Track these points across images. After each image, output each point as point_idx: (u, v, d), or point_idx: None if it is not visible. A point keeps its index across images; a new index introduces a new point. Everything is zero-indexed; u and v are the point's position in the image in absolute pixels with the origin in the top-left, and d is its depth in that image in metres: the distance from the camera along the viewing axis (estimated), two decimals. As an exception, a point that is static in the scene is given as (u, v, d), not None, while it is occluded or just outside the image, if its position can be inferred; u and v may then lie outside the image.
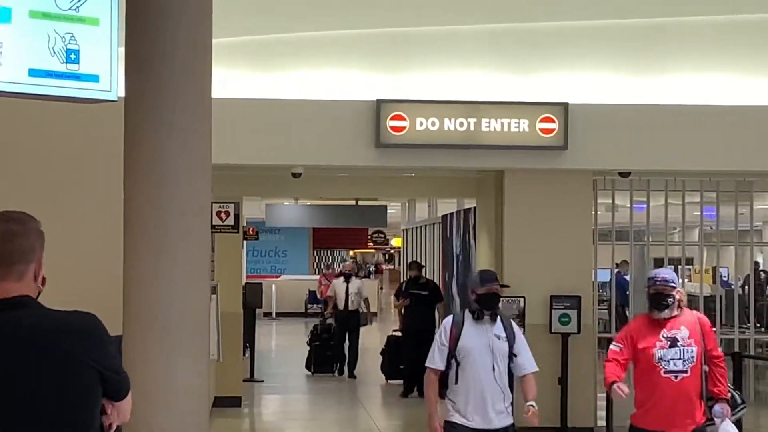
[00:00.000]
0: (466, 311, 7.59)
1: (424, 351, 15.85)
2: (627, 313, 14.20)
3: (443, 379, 7.44)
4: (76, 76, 6.72)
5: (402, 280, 18.90)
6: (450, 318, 7.61)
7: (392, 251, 45.41)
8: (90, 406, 3.49)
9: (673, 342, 7.34)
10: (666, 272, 7.67)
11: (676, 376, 7.30)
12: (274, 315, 32.50)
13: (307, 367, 18.37)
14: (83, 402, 3.48)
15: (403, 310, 16.54)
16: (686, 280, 15.92)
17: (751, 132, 12.24)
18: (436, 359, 7.48)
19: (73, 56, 6.73)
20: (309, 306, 31.91)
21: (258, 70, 12.21)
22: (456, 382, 7.38)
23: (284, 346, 25.68)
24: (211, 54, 9.13)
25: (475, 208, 15.18)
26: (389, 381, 16.87)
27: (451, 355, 7.40)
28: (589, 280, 12.75)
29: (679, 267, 14.75)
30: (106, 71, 6.94)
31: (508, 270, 12.47)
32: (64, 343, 3.45)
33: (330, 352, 18.35)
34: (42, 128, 10.76)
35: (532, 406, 7.31)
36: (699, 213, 13.81)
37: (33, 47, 6.40)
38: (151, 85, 8.70)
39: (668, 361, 7.31)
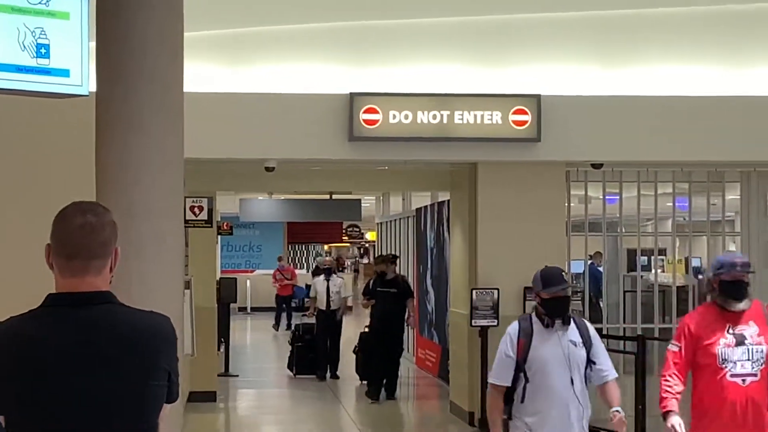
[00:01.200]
0: (533, 316, 6.56)
1: (393, 350, 15.55)
2: (600, 303, 14.22)
3: (508, 396, 6.44)
4: (47, 71, 6.69)
5: (371, 276, 17.77)
6: (515, 325, 6.55)
7: (367, 245, 45.28)
8: (160, 406, 3.51)
9: (740, 340, 6.28)
10: (743, 256, 6.77)
11: (743, 381, 6.26)
12: (249, 310, 32.55)
13: (290, 367, 17.69)
14: (157, 403, 3.50)
15: (370, 309, 16.07)
16: (659, 270, 15.96)
17: (723, 123, 12.29)
18: (501, 374, 6.43)
19: (43, 51, 6.69)
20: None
21: (231, 64, 12.18)
22: (523, 401, 6.40)
23: (259, 340, 25.67)
24: (182, 49, 9.08)
25: (448, 201, 15.18)
26: (363, 381, 16.18)
27: (519, 368, 6.37)
28: (564, 268, 12.75)
29: (652, 258, 14.81)
30: (77, 66, 6.91)
31: (481, 262, 12.49)
32: (151, 345, 3.46)
33: (312, 353, 17.47)
34: (13, 123, 10.70)
35: (618, 411, 6.36)
36: (671, 204, 13.84)
37: (2, 42, 6.36)
38: (122, 82, 8.67)
39: (734, 363, 6.26)
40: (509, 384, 6.38)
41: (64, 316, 3.42)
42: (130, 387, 3.42)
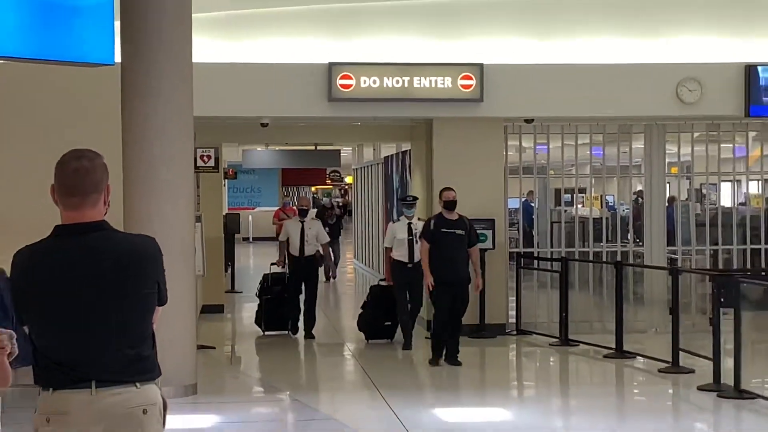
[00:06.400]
0: None
1: (461, 305, 10.55)
2: (533, 232, 14.27)
3: None
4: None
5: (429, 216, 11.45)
6: None
7: (347, 186, 45.10)
8: (152, 309, 3.54)
9: None
10: None
11: None
12: (251, 239, 32.55)
13: (257, 323, 12.87)
14: (150, 306, 3.52)
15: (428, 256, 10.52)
16: (580, 205, 16.03)
17: (631, 85, 12.33)
18: None
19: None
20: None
21: (232, 39, 12.12)
22: None
23: (259, 263, 25.64)
24: (191, 27, 9.01)
25: (410, 150, 15.17)
26: (370, 341, 12.00)
27: None
28: (502, 206, 12.83)
29: (574, 195, 14.87)
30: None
31: (436, 200, 12.49)
32: (139, 261, 3.48)
33: (284, 307, 12.63)
34: (52, 91, 10.64)
35: None
36: (589, 152, 13.87)
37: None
38: (142, 55, 8.63)
39: None
40: None
41: (68, 243, 3.44)
42: (127, 294, 3.45)
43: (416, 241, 11.25)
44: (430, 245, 10.50)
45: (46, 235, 3.53)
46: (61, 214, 3.49)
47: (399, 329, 11.77)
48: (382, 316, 11.97)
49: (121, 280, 3.43)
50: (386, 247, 11.93)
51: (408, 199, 12.17)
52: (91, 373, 3.38)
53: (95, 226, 3.45)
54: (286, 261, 12.70)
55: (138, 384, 3.42)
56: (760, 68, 12.36)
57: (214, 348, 11.76)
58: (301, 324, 12.62)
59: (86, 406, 3.36)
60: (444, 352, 10.48)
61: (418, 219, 11.78)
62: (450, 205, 10.72)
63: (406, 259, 11.53)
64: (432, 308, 10.80)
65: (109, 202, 3.53)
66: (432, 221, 10.73)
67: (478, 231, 11.53)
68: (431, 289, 10.46)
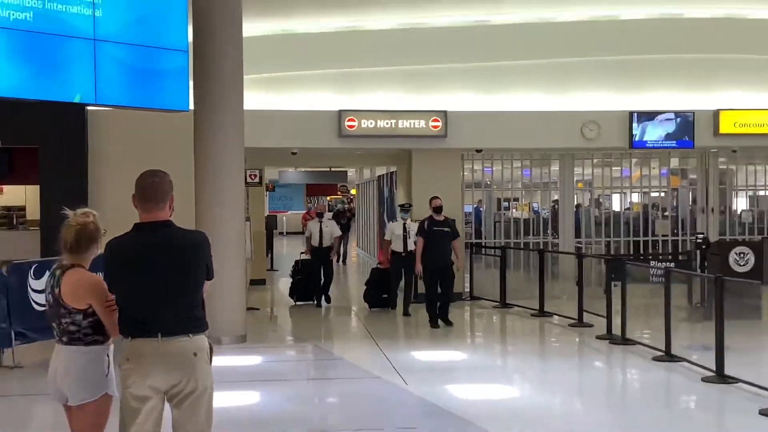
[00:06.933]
0: None
1: (447, 282, 10.08)
2: (481, 229, 14.19)
3: None
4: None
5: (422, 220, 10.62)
6: None
7: (351, 196, 45.03)
8: (203, 282, 3.51)
9: None
10: None
11: None
12: (284, 233, 32.44)
13: (290, 296, 12.37)
14: (201, 280, 3.50)
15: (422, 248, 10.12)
16: (514, 210, 15.99)
17: (549, 125, 12.34)
18: None
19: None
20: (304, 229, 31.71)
21: (272, 93, 12.08)
22: None
23: (291, 250, 25.53)
24: (242, 84, 8.94)
25: (396, 171, 15.12)
26: (372, 309, 11.56)
27: None
28: (460, 210, 12.80)
29: (510, 202, 14.83)
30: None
31: (416, 205, 12.44)
32: (195, 249, 3.47)
33: (309, 284, 12.13)
34: (146, 128, 10.56)
35: None
36: (521, 172, 13.85)
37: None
38: (208, 104, 8.57)
39: None
40: None
41: (144, 236, 3.44)
42: (185, 272, 3.43)
43: (409, 237, 11.12)
44: (424, 240, 10.14)
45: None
46: (139, 215, 3.48)
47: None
48: (380, 292, 11.67)
49: (181, 263, 3.42)
50: (385, 240, 11.64)
51: (405, 206, 11.82)
52: (158, 327, 3.38)
53: (164, 224, 3.45)
54: (310, 250, 12.28)
55: (191, 335, 3.41)
56: (635, 114, 12.39)
57: (258, 309, 11.68)
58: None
59: (155, 350, 3.37)
60: (438, 317, 10.13)
61: (410, 220, 11.55)
62: (438, 209, 10.35)
63: (400, 249, 11.32)
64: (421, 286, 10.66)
65: (173, 207, 3.53)
66: (425, 222, 10.30)
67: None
68: (421, 275, 10.26)
